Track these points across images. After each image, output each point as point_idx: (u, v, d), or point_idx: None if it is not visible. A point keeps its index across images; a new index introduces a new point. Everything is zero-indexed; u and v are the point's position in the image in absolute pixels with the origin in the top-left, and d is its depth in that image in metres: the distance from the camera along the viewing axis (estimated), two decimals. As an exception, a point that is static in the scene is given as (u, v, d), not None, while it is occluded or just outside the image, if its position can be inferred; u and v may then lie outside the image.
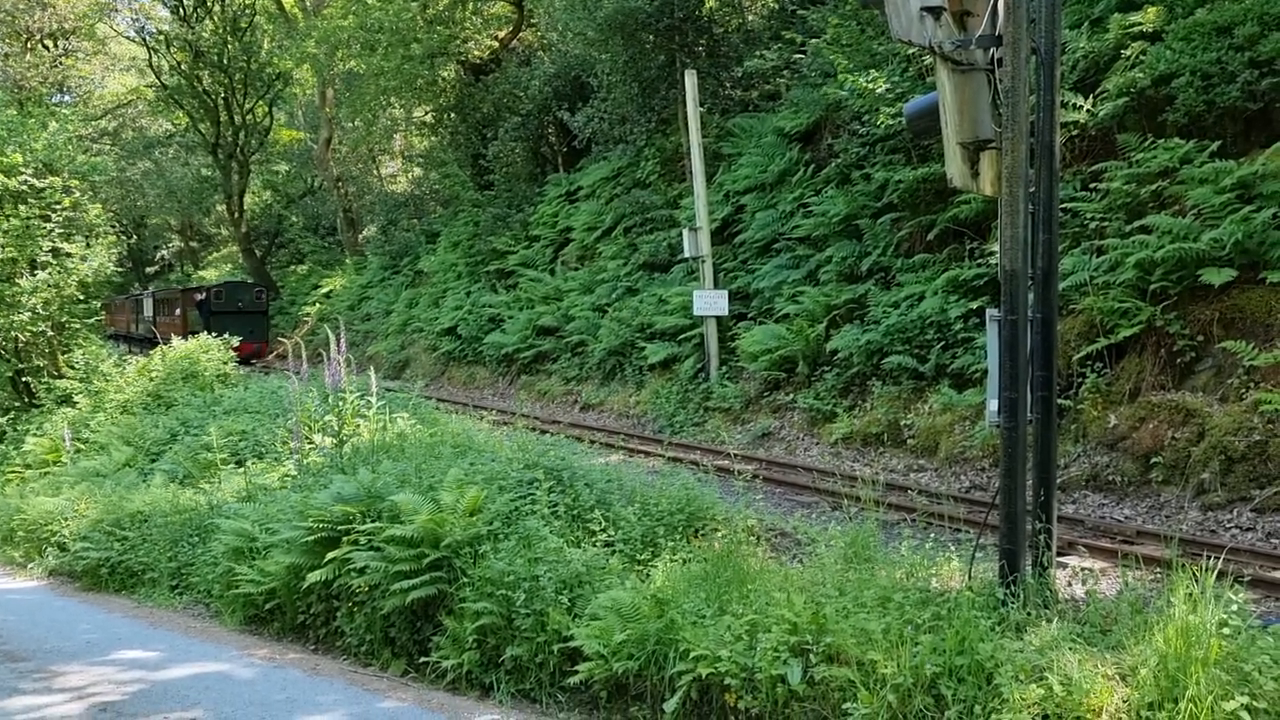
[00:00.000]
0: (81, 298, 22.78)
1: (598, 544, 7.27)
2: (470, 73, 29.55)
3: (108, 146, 45.01)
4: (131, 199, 49.38)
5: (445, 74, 29.77)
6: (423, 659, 7.04)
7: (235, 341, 20.80)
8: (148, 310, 40.52)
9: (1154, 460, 9.65)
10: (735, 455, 11.78)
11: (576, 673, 6.00)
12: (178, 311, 36.70)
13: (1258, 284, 9.69)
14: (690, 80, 17.24)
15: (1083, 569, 7.32)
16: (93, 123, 44.54)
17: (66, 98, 42.48)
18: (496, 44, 29.62)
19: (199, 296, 35.91)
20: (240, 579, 8.53)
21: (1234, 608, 4.61)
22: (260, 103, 43.63)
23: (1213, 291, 9.91)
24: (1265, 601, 7.03)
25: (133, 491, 12.27)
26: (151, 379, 18.51)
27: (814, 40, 17.10)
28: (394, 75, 28.20)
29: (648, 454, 13.60)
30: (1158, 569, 7.06)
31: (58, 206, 21.08)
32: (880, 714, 4.81)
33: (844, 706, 4.96)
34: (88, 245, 22.97)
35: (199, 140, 44.04)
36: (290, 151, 48.75)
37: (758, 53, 19.49)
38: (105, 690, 6.60)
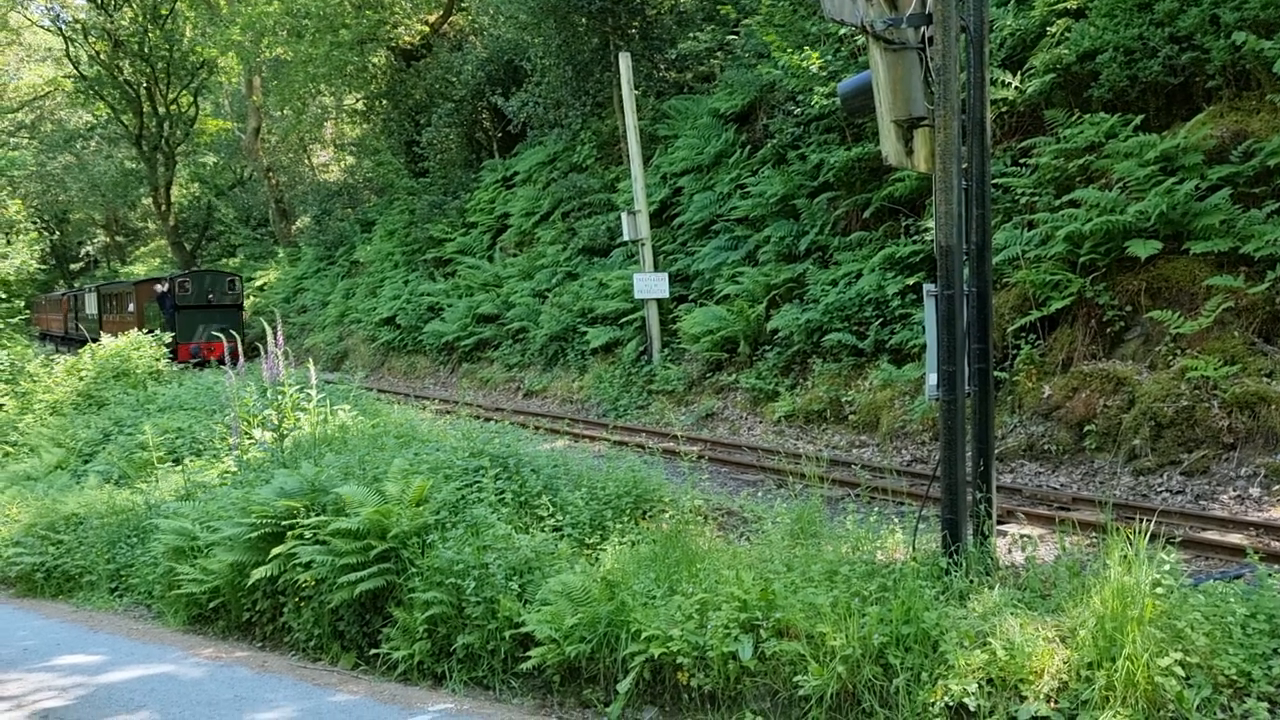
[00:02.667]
0: (3, 296, 22.12)
1: (546, 529, 7.27)
2: (401, 58, 29.11)
3: (25, 140, 43.60)
4: (53, 194, 47.95)
5: (375, 60, 29.30)
6: (373, 651, 6.99)
7: (167, 338, 20.19)
8: (90, 307, 36.62)
9: (1087, 428, 9.91)
10: (680, 437, 11.84)
11: (529, 658, 6.01)
12: (130, 307, 32.30)
13: (1182, 254, 9.98)
14: (624, 63, 17.20)
15: (1022, 536, 7.50)
16: (9, 116, 43.13)
17: (-21, 90, 41.07)
18: (427, 29, 29.20)
19: (160, 288, 30.39)
20: (182, 578, 8.36)
21: (1166, 568, 4.76)
22: (184, 92, 42.51)
23: (1139, 263, 10.18)
24: (1196, 561, 7.28)
25: (66, 494, 11.96)
26: (81, 378, 18.03)
27: (747, 20, 17.15)
28: (323, 62, 27.67)
29: (593, 438, 13.62)
30: (1093, 533, 7.26)
31: (-26, 203, 20.41)
32: (830, 685, 4.89)
33: (795, 680, 5.04)
34: (8, 242, 22.30)
35: (122, 132, 42.76)
36: (218, 142, 47.59)
37: (691, 34, 19.50)
38: (46, 697, 6.45)
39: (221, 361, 24.78)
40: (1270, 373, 8.99)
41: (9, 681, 6.88)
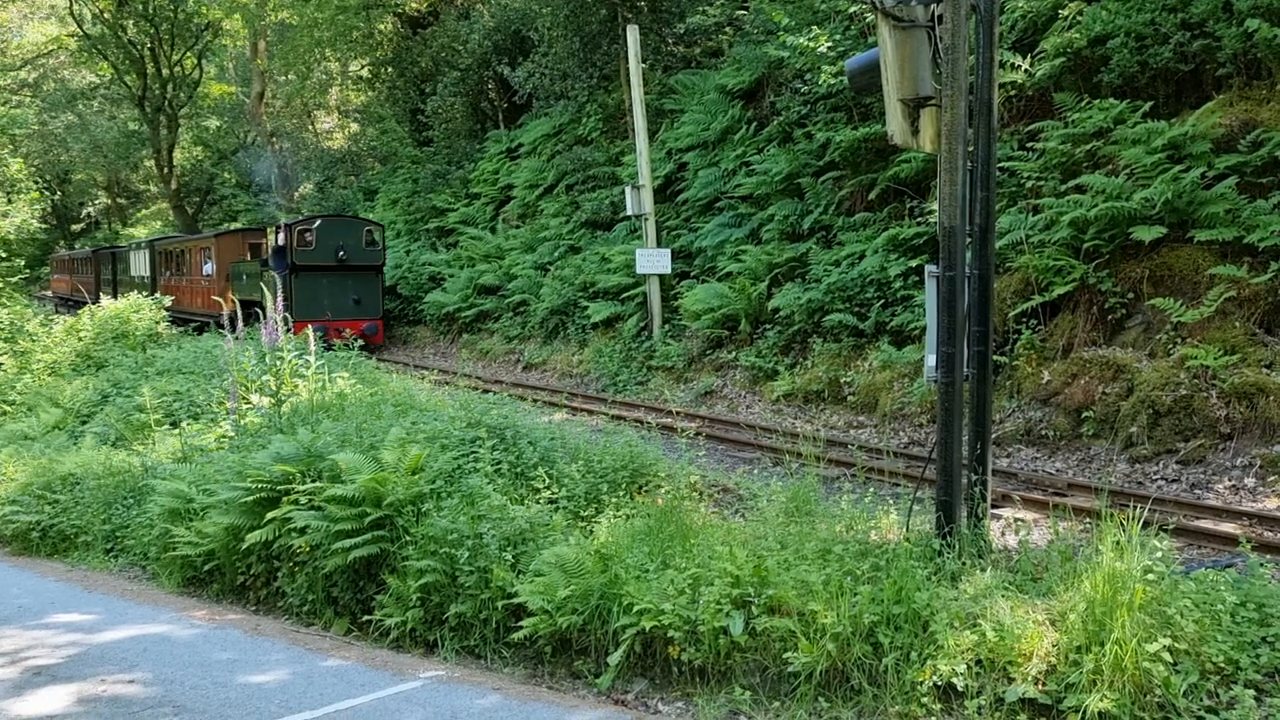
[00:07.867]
0: (3, 255, 22.07)
1: (541, 501, 7.28)
2: (408, 25, 28.93)
3: (28, 98, 43.31)
4: (55, 153, 47.72)
5: (382, 26, 29.12)
6: (366, 618, 7.01)
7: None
8: (139, 268, 29.42)
9: (1085, 415, 9.91)
10: (678, 413, 11.85)
11: (521, 629, 6.02)
12: (206, 268, 24.81)
13: (1186, 242, 9.95)
14: (632, 36, 17.07)
15: (1016, 520, 7.52)
16: (11, 73, 42.83)
17: (-18, 47, 40.76)
18: (434, -4, 29.02)
19: (279, 240, 21.62)
20: (177, 541, 8.38)
21: (1158, 555, 4.77)
22: (189, 54, 42.12)
23: (1143, 249, 10.16)
24: (1188, 549, 7.30)
25: (63, 454, 11.96)
26: (80, 339, 18.00)
27: (756, -4, 17.03)
28: (328, 27, 27.53)
29: (591, 412, 13.63)
30: (1087, 519, 7.27)
31: (-25, 160, 20.31)
32: (820, 662, 4.91)
33: (785, 656, 5.06)
34: (9, 201, 22.21)
35: (125, 93, 42.40)
36: (221, 106, 47.29)
37: (700, 8, 19.35)
38: (40, 654, 6.47)
39: (365, 347, 16.05)
40: (1270, 364, 8.98)
41: (3, 638, 6.91)
